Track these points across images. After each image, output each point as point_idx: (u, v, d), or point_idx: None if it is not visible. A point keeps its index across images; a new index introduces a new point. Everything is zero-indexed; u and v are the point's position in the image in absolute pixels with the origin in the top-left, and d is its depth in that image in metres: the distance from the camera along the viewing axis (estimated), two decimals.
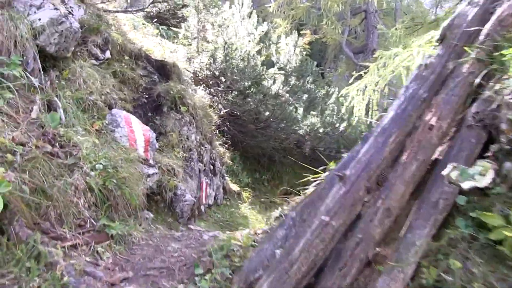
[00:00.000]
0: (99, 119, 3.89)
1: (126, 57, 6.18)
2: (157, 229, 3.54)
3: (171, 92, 6.04)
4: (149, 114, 5.87)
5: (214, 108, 8.27)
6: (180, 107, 6.14)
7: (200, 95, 8.35)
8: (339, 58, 23.61)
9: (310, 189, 3.17)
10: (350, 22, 20.94)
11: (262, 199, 10.00)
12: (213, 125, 7.48)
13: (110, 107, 4.39)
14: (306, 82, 10.71)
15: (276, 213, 3.23)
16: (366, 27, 21.07)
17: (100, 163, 2.95)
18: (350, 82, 8.22)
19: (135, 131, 4.09)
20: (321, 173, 3.72)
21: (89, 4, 6.26)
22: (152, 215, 3.94)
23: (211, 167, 7.02)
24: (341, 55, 23.11)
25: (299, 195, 10.48)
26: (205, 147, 6.77)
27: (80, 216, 2.64)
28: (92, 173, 2.82)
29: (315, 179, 3.66)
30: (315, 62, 12.61)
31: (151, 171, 4.05)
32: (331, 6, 15.41)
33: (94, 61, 5.51)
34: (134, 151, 3.86)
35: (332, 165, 4.01)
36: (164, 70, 6.65)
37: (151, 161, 4.19)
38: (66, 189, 2.57)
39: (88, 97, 3.86)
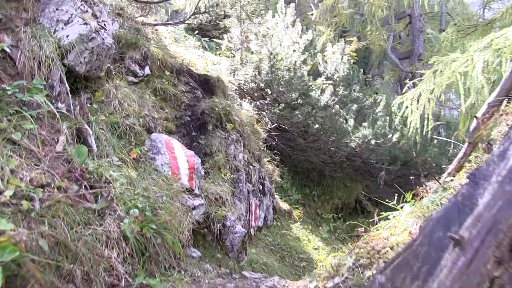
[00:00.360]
0: (137, 145, 3.46)
1: (167, 73, 5.79)
2: (206, 273, 3.04)
3: (216, 108, 5.58)
4: (193, 134, 5.43)
5: (261, 123, 7.76)
6: (226, 125, 5.67)
7: (246, 110, 7.88)
8: (383, 65, 22.82)
9: (393, 238, 2.57)
10: (395, 27, 20.17)
11: (313, 217, 9.39)
12: (261, 142, 6.97)
13: (150, 131, 3.96)
14: (353, 91, 10.07)
15: (348, 261, 2.63)
16: (411, 31, 20.31)
17: (137, 205, 2.48)
18: (404, 90, 7.71)
19: (177, 158, 3.62)
20: (396, 208, 3.13)
21: (126, 18, 5.91)
22: (199, 253, 3.45)
23: (260, 186, 6.50)
24: (385, 61, 22.34)
25: (349, 210, 9.60)
26: (254, 166, 6.25)
27: (112, 273, 2.17)
28: (127, 220, 2.34)
29: (391, 215, 3.07)
30: (362, 70, 11.95)
31: (196, 202, 3.57)
32: (375, 12, 14.76)
33: (133, 78, 5.14)
34: (177, 181, 3.40)
35: (409, 198, 3.41)
36: (207, 85, 6.21)
37: (196, 191, 3.71)
38: (95, 240, 2.11)
39: (125, 121, 3.44)
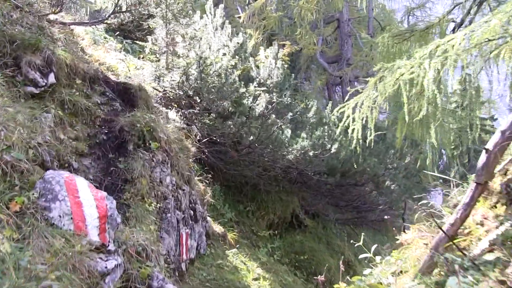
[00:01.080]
0: (23, 191, 2.49)
1: (78, 81, 4.78)
2: None
3: (138, 124, 4.67)
4: (110, 156, 4.48)
5: (190, 137, 6.89)
6: (150, 143, 4.77)
7: (173, 122, 6.99)
8: (311, 69, 22.75)
9: None
10: (323, 31, 20.14)
11: (248, 236, 8.66)
12: (190, 159, 6.11)
13: (45, 167, 2.97)
14: (284, 96, 9.49)
15: None
16: (340, 36, 20.41)
17: None
18: (346, 98, 7.34)
19: (83, 204, 2.69)
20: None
21: (27, 13, 4.84)
22: None
23: (191, 212, 5.65)
24: (313, 65, 22.28)
25: (285, 224, 8.96)
26: (183, 190, 5.39)
27: None
28: None
29: None
30: (293, 75, 11.46)
31: (111, 263, 2.67)
32: (304, 15, 14.44)
33: (32, 89, 4.12)
34: (83, 238, 2.49)
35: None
36: (127, 95, 5.27)
37: (111, 246, 2.80)
38: None
39: (3, 155, 2.45)
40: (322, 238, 10.35)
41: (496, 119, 25.63)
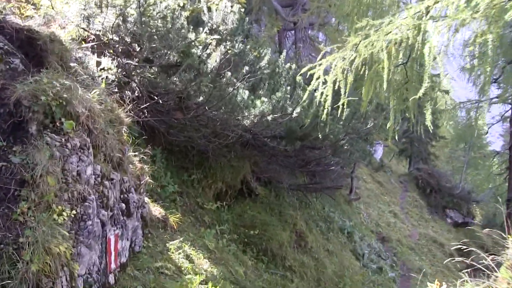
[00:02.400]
0: None
1: None
2: None
3: (43, 97, 3.22)
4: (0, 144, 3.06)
5: (123, 100, 5.45)
6: (63, 123, 3.36)
7: (106, 73, 5.53)
8: (263, 11, 21.05)
9: None
10: None
11: (193, 209, 7.52)
12: (124, 133, 4.73)
13: None
14: (235, 42, 8.11)
15: None
16: None
17: None
18: (319, 58, 6.42)
19: None
20: None
21: None
22: None
23: (123, 206, 4.36)
24: (264, 7, 20.63)
25: (235, 193, 7.89)
26: (112, 180, 4.06)
27: None
28: None
29: None
30: (247, 18, 10.00)
31: None
32: None
33: None
34: None
35: None
36: (33, 48, 3.75)
37: None
38: None
39: None
40: (274, 209, 9.41)
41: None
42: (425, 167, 33.74)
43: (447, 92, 33.36)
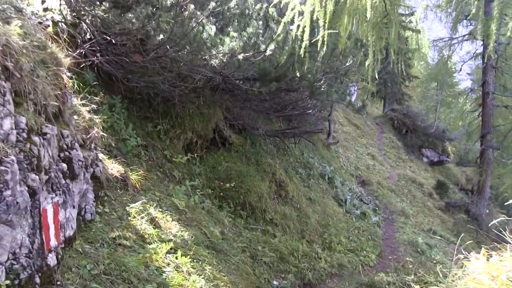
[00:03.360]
0: None
1: None
2: None
3: None
4: None
5: (62, 37, 4.44)
6: None
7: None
8: None
9: None
10: None
11: (160, 164, 6.70)
12: (64, 76, 3.78)
13: None
14: None
15: None
16: None
17: None
18: None
19: None
20: None
21: None
22: None
23: (64, 166, 3.49)
24: None
25: (206, 143, 7.06)
26: (44, 135, 3.18)
27: None
28: None
29: None
30: None
31: None
32: None
33: None
34: None
35: None
36: None
37: None
38: None
39: None
40: (250, 158, 8.67)
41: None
42: (400, 107, 33.52)
43: (418, 31, 32.61)
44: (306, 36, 6.07)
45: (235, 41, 6.26)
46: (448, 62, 27.09)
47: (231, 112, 8.63)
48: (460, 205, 21.58)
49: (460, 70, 28.32)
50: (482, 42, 22.80)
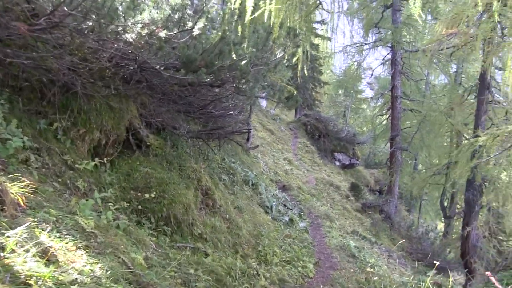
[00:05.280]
0: None
1: None
2: None
3: None
4: None
5: None
6: None
7: None
8: None
9: None
10: None
11: (59, 172, 5.13)
12: None
13: None
14: None
15: None
16: None
17: None
18: None
19: None
20: None
21: None
22: None
23: None
24: None
25: (118, 146, 5.57)
26: None
27: None
28: None
29: None
30: None
31: None
32: None
33: None
34: None
35: None
36: None
37: None
38: None
39: None
40: (172, 162, 7.27)
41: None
42: (312, 113, 33.71)
43: (329, 39, 33.11)
44: (248, 7, 4.93)
45: (154, 10, 4.91)
46: (358, 68, 27.59)
47: (148, 108, 7.17)
48: (375, 205, 21.81)
49: (372, 75, 28.95)
50: (391, 49, 23.34)
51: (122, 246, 3.95)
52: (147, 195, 6.08)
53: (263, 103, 34.40)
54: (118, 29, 4.66)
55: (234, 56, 6.23)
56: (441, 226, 31.68)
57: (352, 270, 8.84)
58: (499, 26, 14.05)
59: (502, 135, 8.00)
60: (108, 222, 4.44)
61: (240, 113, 12.06)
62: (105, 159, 6.02)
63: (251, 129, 13.21)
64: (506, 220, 16.64)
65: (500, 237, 18.25)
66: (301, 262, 8.66)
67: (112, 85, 5.96)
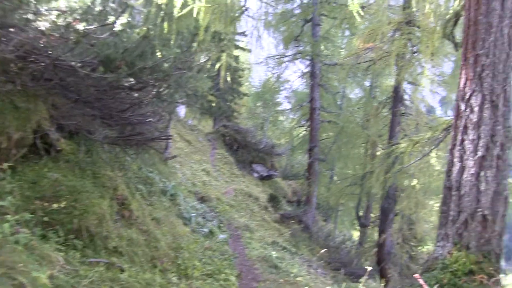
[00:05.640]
0: None
1: None
2: None
3: None
4: None
5: None
6: None
7: None
8: None
9: None
10: None
11: None
12: None
13: None
14: None
15: None
16: None
17: None
18: None
19: None
20: None
21: None
22: None
23: None
24: None
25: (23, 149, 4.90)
26: None
27: None
28: None
29: None
30: None
31: None
32: None
33: None
34: None
35: None
36: None
37: None
38: None
39: None
40: (86, 169, 6.65)
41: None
42: (231, 124, 33.66)
43: (249, 50, 33.40)
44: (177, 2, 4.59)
45: (75, 2, 4.42)
46: (278, 80, 28.01)
47: (60, 110, 6.51)
48: (294, 216, 22.11)
49: (291, 87, 29.54)
50: (310, 62, 23.95)
51: (20, 265, 3.40)
52: (55, 205, 5.46)
53: (181, 113, 33.81)
54: (28, 16, 4.11)
55: (159, 54, 5.83)
56: (356, 235, 32.86)
57: (279, 281, 8.69)
58: (409, 43, 14.90)
59: (422, 141, 8.36)
60: (4, 237, 3.84)
61: (159, 121, 11.56)
62: (5, 164, 5.31)
63: (171, 136, 12.76)
64: (418, 226, 17.55)
65: (412, 243, 19.22)
66: (223, 275, 8.36)
67: (18, 81, 5.31)
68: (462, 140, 5.89)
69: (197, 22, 7.61)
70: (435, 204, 17.68)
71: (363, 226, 25.14)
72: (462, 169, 5.85)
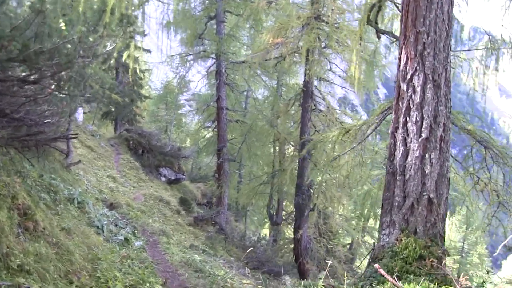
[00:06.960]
0: None
1: None
2: None
3: None
4: None
5: None
6: None
7: None
8: None
9: None
10: None
11: None
12: None
13: None
14: None
15: None
16: None
17: None
18: None
19: None
20: None
21: None
22: None
23: None
24: None
25: None
26: None
27: None
28: None
29: None
30: None
31: None
32: None
33: None
34: None
35: None
36: None
37: None
38: None
39: None
40: None
41: None
42: (134, 128, 32.14)
43: (149, 51, 32.13)
44: None
45: None
46: (181, 81, 27.14)
47: None
48: (207, 218, 21.52)
49: (194, 90, 28.81)
50: (215, 60, 23.41)
51: None
52: None
53: (79, 118, 31.58)
54: None
55: (62, 26, 4.94)
56: (267, 233, 32.97)
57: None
58: (318, 38, 14.98)
59: (354, 129, 8.19)
60: None
61: (58, 121, 10.35)
62: None
63: (76, 135, 11.51)
64: (332, 220, 17.81)
65: (327, 236, 19.52)
66: (148, 285, 7.56)
67: None
68: (405, 122, 5.71)
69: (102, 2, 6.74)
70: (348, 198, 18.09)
71: (275, 224, 25.11)
72: (406, 152, 5.67)
